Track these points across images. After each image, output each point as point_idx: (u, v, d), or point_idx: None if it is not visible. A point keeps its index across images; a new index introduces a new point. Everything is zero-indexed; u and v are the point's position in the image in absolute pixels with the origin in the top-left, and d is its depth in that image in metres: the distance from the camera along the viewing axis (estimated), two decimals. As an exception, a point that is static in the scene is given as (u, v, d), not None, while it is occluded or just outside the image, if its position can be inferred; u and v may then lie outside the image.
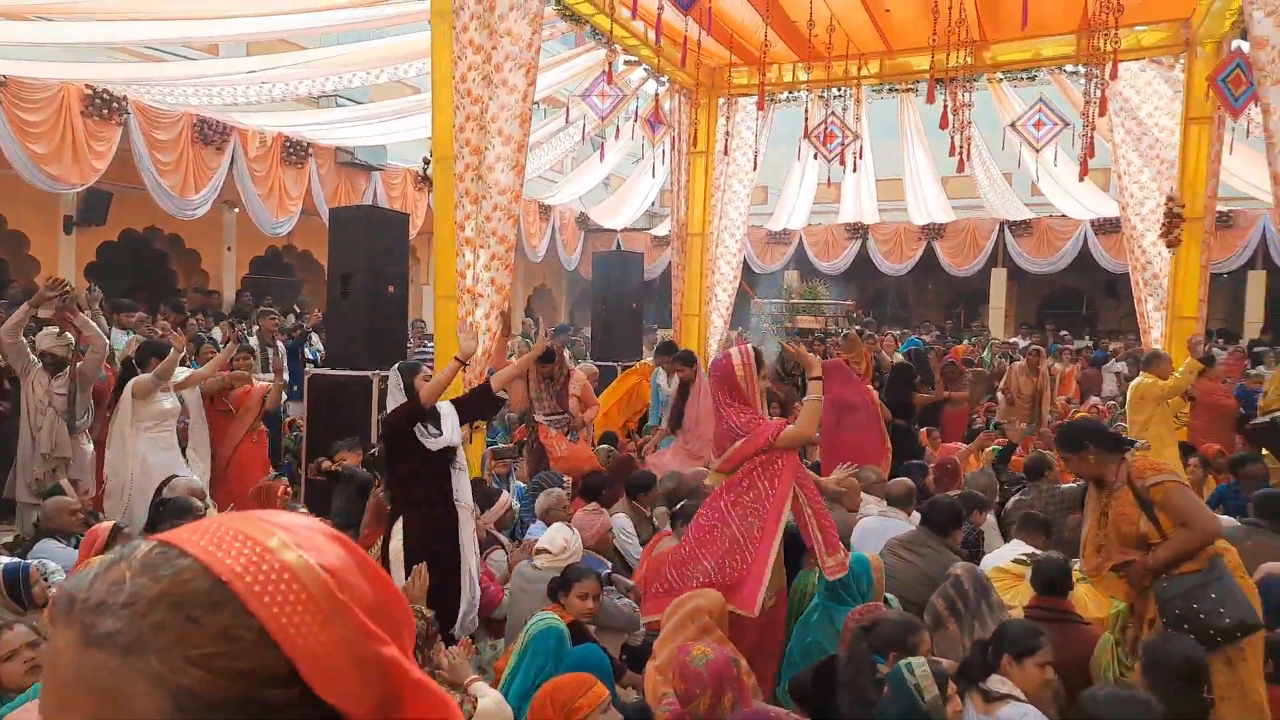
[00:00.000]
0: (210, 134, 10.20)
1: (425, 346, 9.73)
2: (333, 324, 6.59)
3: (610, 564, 4.17)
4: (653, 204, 18.72)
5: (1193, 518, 3.20)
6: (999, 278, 17.79)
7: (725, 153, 8.95)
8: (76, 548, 4.10)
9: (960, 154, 7.86)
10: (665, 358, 7.13)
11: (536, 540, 4.15)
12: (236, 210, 12.52)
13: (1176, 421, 7.34)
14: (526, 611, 3.84)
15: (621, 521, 4.69)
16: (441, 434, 3.93)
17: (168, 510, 3.87)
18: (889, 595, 3.85)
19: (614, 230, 18.51)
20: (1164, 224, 7.97)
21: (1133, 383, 7.10)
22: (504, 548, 4.55)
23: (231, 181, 10.71)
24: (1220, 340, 13.07)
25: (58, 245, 11.19)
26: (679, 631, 3.23)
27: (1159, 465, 3.43)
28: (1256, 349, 12.20)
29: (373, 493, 4.64)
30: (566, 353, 7.53)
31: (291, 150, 11.45)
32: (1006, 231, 16.65)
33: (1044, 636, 2.99)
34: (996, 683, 2.98)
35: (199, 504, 3.96)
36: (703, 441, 6.12)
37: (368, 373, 6.08)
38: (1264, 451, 6.00)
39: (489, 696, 2.75)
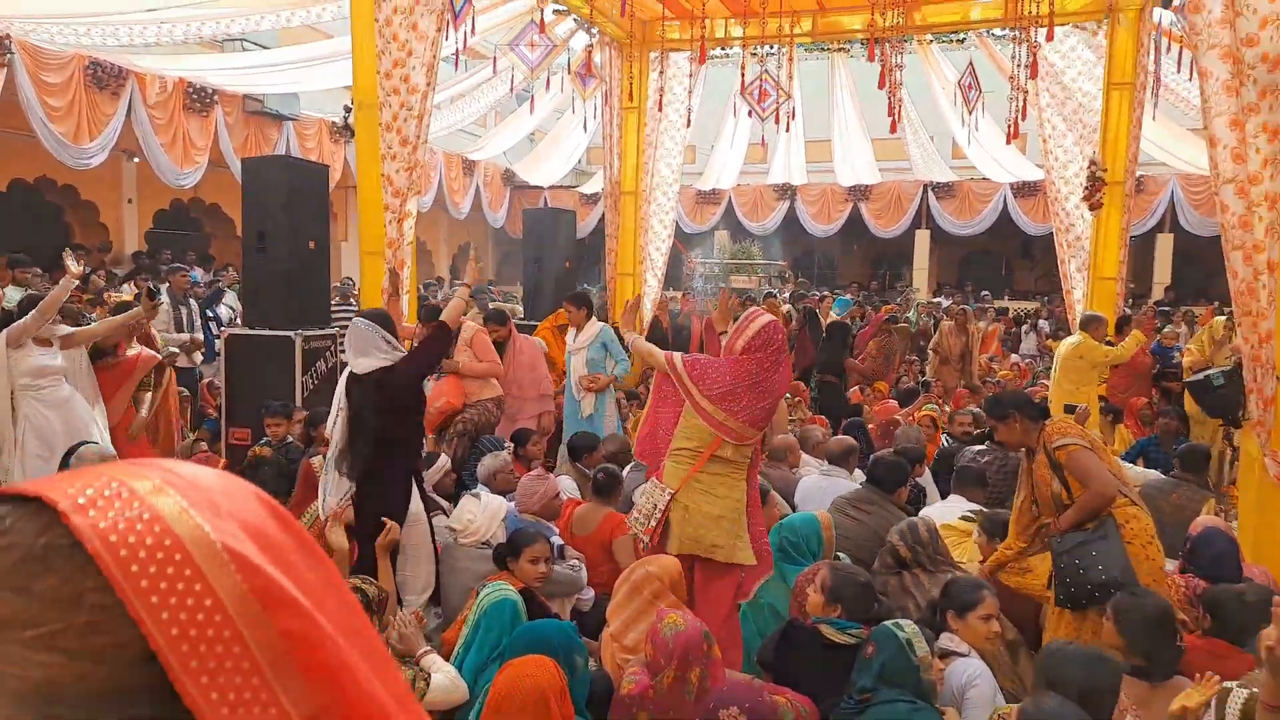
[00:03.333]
0: (105, 77, 9.46)
1: (350, 303, 9.33)
2: (250, 281, 6.20)
3: (557, 529, 4.05)
4: (579, 161, 18.36)
5: (1091, 479, 3.29)
6: (922, 239, 18.14)
7: (660, 108, 8.74)
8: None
9: (894, 115, 7.85)
10: (574, 307, 6.41)
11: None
12: (137, 160, 11.73)
13: (1097, 378, 7.60)
14: (455, 587, 3.70)
15: (567, 484, 4.57)
16: None
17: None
18: (840, 554, 3.84)
19: (541, 187, 18.12)
20: (1086, 188, 8.15)
21: (1067, 342, 7.23)
22: (444, 512, 4.38)
23: (130, 130, 9.99)
24: (1134, 300, 13.63)
25: (-63, 197, 10.31)
26: (632, 598, 3.14)
27: (1064, 429, 3.50)
28: (1161, 308, 12.74)
29: (304, 459, 4.40)
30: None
31: (195, 97, 10.74)
32: (930, 194, 16.96)
33: (985, 590, 3.00)
34: (947, 640, 2.99)
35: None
36: (517, 400, 6.07)
37: (290, 332, 5.75)
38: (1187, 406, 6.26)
39: (443, 671, 2.61)
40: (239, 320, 8.17)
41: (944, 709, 2.48)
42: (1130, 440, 6.98)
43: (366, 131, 5.86)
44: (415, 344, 4.26)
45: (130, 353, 5.41)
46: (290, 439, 4.90)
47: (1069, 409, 6.02)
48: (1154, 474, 5.33)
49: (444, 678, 2.57)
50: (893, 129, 7.93)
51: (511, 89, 9.17)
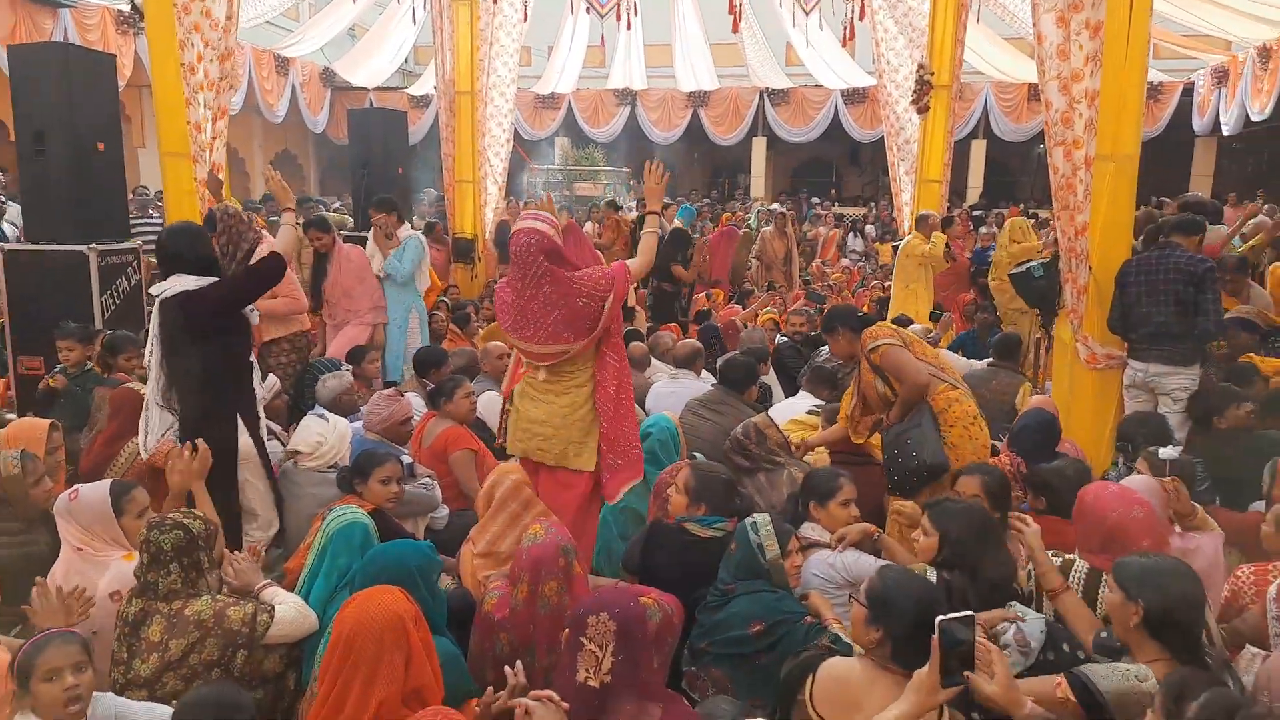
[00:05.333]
0: None
1: (150, 216, 8.42)
2: (30, 191, 5.41)
3: (408, 450, 3.85)
4: (406, 60, 17.23)
5: (903, 374, 3.51)
6: (759, 146, 18.40)
7: (494, 0, 8.22)
8: None
9: (736, 15, 7.76)
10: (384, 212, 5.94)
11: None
12: None
13: (925, 276, 8.06)
14: (297, 514, 3.48)
15: (417, 403, 4.35)
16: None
17: None
18: (696, 454, 3.87)
19: (365, 89, 16.91)
20: (915, 91, 8.42)
21: (904, 241, 7.63)
22: (278, 438, 4.07)
23: None
24: (951, 205, 14.44)
25: None
26: (499, 512, 3.03)
27: (876, 332, 3.68)
28: (975, 212, 13.60)
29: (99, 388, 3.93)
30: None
31: (-58, -26, 9.14)
32: (766, 100, 17.13)
33: (843, 478, 3.10)
34: (809, 530, 3.08)
35: None
36: (348, 313, 5.76)
37: (82, 246, 5.10)
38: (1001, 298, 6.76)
39: (288, 603, 2.42)
40: (22, 238, 7.18)
41: (809, 592, 2.55)
42: (955, 334, 7.49)
43: (159, 13, 5.13)
44: (240, 269, 3.86)
45: None
46: (89, 365, 4.37)
47: (935, 315, 6.39)
48: (977, 364, 5.72)
49: (289, 609, 2.39)
50: (734, 28, 7.85)
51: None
